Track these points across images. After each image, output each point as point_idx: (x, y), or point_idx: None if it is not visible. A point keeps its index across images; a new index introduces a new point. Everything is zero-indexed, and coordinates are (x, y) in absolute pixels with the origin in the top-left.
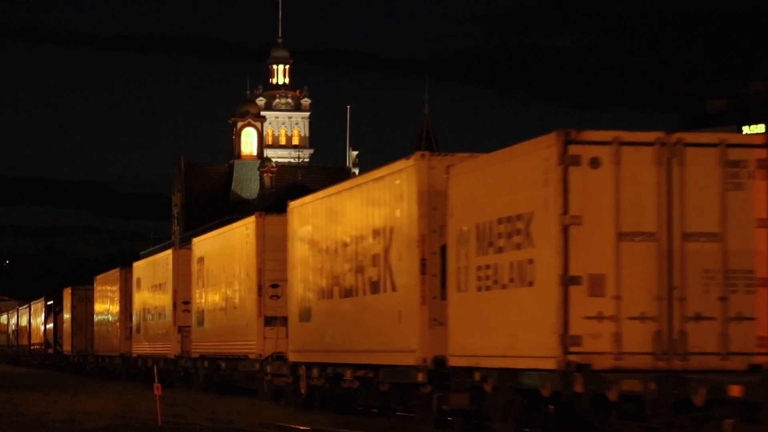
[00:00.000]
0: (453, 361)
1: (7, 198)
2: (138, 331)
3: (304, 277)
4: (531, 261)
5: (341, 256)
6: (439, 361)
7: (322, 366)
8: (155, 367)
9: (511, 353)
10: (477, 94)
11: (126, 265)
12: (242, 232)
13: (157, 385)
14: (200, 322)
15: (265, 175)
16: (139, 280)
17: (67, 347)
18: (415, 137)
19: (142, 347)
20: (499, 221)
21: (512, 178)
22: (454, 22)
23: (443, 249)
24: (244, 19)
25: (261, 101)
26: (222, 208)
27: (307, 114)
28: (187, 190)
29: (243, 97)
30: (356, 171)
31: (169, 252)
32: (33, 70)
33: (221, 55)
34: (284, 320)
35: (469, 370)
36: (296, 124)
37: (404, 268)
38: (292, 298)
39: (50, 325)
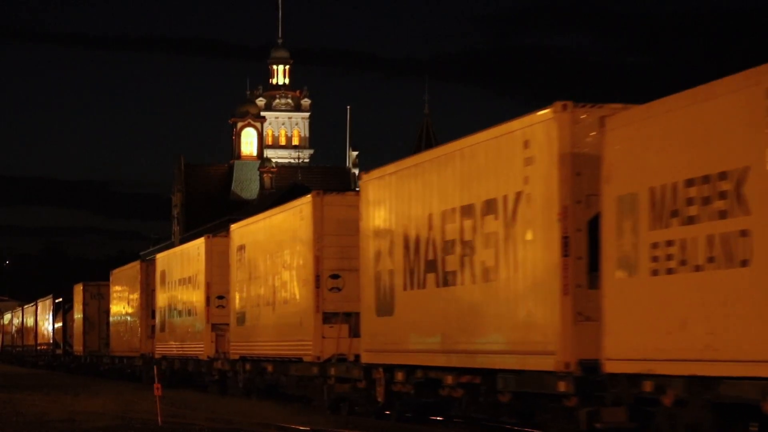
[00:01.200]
0: (610, 367)
1: (7, 198)
2: (162, 329)
3: (383, 262)
4: (745, 233)
5: (438, 235)
6: (588, 366)
7: (410, 369)
8: (155, 367)
9: (709, 356)
10: (476, 94)
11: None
12: (295, 215)
13: (157, 385)
14: (241, 320)
15: (265, 175)
16: (163, 273)
17: (78, 347)
18: (415, 137)
19: (167, 347)
20: (689, 183)
21: (709, 126)
22: (453, 22)
23: (591, 224)
24: (244, 19)
25: (261, 101)
26: (222, 209)
27: (307, 114)
28: (187, 190)
29: (243, 98)
30: (356, 171)
31: (200, 241)
32: (33, 70)
33: (221, 55)
34: (347, 317)
35: (636, 378)
36: (296, 124)
37: (537, 249)
38: (367, 289)
39: (59, 324)
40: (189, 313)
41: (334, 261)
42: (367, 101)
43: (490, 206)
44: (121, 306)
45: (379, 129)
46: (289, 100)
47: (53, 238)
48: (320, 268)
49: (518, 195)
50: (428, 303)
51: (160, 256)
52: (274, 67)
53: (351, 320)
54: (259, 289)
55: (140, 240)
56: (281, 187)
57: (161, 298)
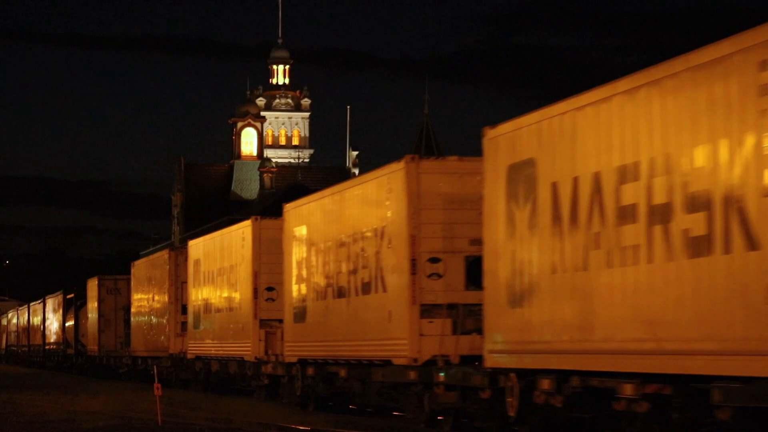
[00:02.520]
0: None
1: (7, 198)
2: (197, 326)
3: (520, 234)
4: None
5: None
6: None
7: (562, 375)
8: (155, 367)
9: None
10: (476, 94)
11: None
12: (381, 187)
13: (157, 385)
14: (300, 316)
15: (265, 175)
16: (197, 262)
17: (92, 347)
18: (415, 137)
19: (203, 346)
20: None
21: None
22: (453, 22)
23: None
24: (244, 19)
25: (261, 101)
26: (222, 209)
27: (307, 114)
28: (187, 190)
29: (243, 98)
30: (356, 171)
31: (245, 224)
32: (33, 70)
33: (221, 55)
34: (451, 309)
35: None
36: (296, 124)
37: None
38: (496, 273)
39: (70, 323)
40: (231, 307)
41: (436, 241)
42: (367, 101)
43: None
44: (145, 301)
45: (379, 129)
46: (289, 100)
47: (53, 238)
48: (417, 250)
49: None
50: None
51: (193, 243)
52: (274, 67)
53: (456, 313)
54: (325, 278)
55: (140, 240)
56: (281, 187)
57: (195, 291)
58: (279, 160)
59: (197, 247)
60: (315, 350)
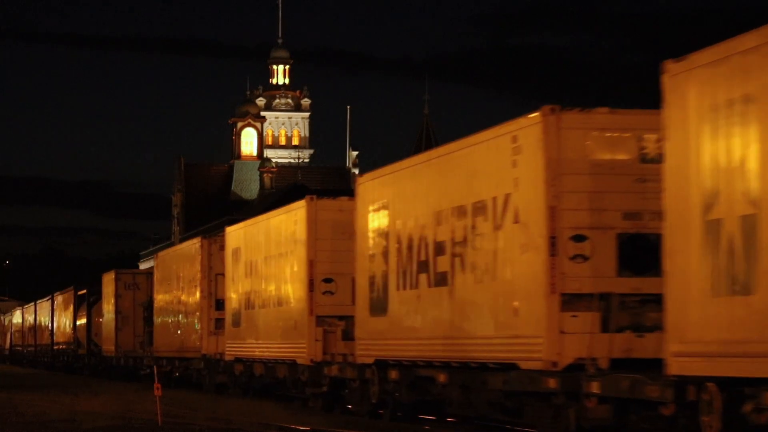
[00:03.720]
0: None
1: (7, 198)
2: (236, 323)
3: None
4: None
5: None
6: None
7: None
8: (155, 367)
9: None
10: (476, 94)
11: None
12: (502, 144)
13: (157, 385)
14: (379, 308)
15: (265, 175)
16: (237, 251)
17: (108, 347)
18: (415, 137)
19: (244, 347)
20: None
21: None
22: (453, 22)
23: None
24: (244, 19)
25: (261, 101)
26: (222, 209)
27: (307, 114)
28: (187, 190)
29: (243, 98)
30: (356, 171)
31: (299, 205)
32: (33, 70)
33: (221, 55)
34: (603, 301)
35: None
36: (296, 124)
37: None
38: (698, 253)
39: (82, 321)
40: (279, 302)
41: (581, 215)
42: (367, 101)
43: None
44: (172, 296)
45: (379, 129)
46: (289, 100)
47: (53, 238)
48: (557, 226)
49: None
50: None
51: (232, 229)
52: (274, 67)
53: (606, 305)
54: (416, 263)
55: (140, 240)
56: (281, 187)
57: (235, 285)
58: (279, 160)
59: (236, 234)
60: (400, 350)
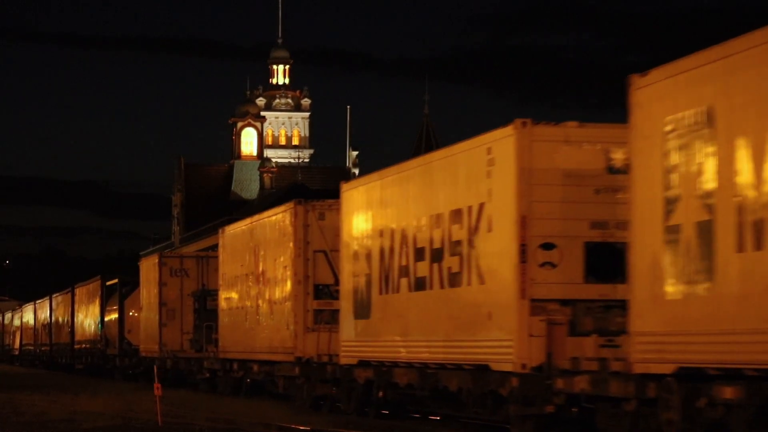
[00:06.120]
0: None
1: (7, 198)
2: (362, 314)
3: None
4: None
5: None
6: None
7: None
8: (155, 367)
9: None
10: (476, 94)
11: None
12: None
13: (157, 385)
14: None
15: (265, 175)
16: (364, 212)
17: (148, 345)
18: (415, 137)
19: (378, 347)
20: None
21: None
22: (452, 22)
23: None
24: (244, 20)
25: (261, 101)
26: (222, 209)
27: (307, 114)
28: (187, 190)
29: (243, 98)
30: (356, 171)
31: (500, 134)
32: (33, 70)
33: (221, 55)
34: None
35: None
36: (296, 124)
37: None
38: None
39: (112, 316)
40: (453, 282)
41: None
42: (367, 101)
43: None
44: (245, 280)
45: (379, 129)
46: (289, 100)
47: (53, 238)
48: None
49: None
50: None
51: (349, 185)
52: (274, 67)
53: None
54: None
55: (140, 240)
56: (281, 187)
57: (351, 262)
58: (279, 160)
59: (357, 192)
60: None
